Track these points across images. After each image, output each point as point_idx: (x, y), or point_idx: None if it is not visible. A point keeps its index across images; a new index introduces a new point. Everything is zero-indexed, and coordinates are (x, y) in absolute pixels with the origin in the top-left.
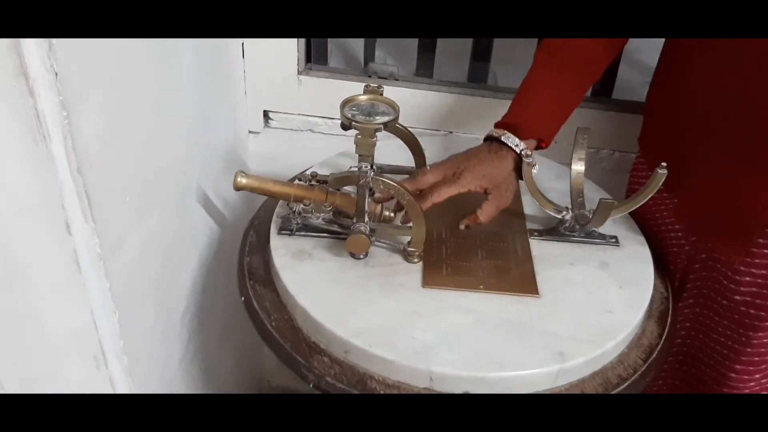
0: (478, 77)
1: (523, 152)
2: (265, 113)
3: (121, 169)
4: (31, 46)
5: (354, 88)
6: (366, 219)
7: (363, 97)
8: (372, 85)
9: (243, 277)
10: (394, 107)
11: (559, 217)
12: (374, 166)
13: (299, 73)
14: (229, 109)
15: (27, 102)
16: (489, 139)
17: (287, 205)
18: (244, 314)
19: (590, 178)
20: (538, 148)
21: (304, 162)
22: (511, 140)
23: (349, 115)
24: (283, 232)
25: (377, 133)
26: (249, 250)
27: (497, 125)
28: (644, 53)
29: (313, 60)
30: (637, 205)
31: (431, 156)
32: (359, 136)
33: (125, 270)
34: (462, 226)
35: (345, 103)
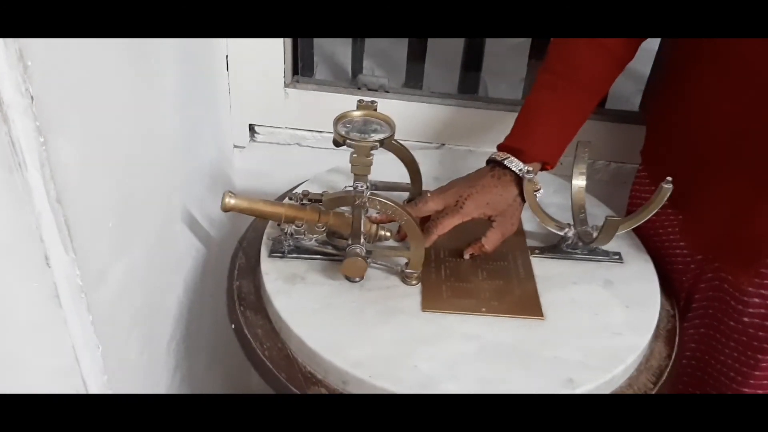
0: (468, 87)
1: (527, 175)
2: (251, 127)
3: (102, 196)
4: (4, 68)
5: (343, 100)
6: (362, 240)
7: (357, 113)
8: (365, 99)
9: (233, 303)
10: (389, 123)
11: (562, 234)
12: (368, 185)
13: (286, 85)
14: (213, 124)
15: (0, 129)
16: (491, 162)
17: (278, 225)
18: (231, 339)
19: (587, 191)
20: (542, 169)
21: (292, 177)
22: (515, 165)
23: (343, 132)
24: (274, 254)
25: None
26: (238, 273)
27: (500, 147)
28: (636, 61)
29: (300, 72)
30: (642, 221)
31: (425, 170)
32: (355, 155)
33: (108, 301)
34: (466, 256)
35: (338, 120)
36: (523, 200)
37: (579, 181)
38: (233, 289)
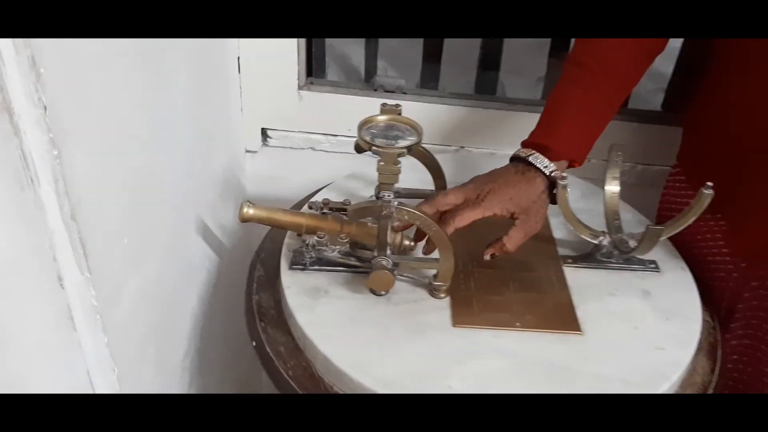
0: (486, 88)
1: (554, 174)
2: (263, 131)
3: (117, 210)
4: (15, 77)
5: (359, 102)
6: (389, 251)
7: (381, 118)
8: (389, 103)
9: (252, 319)
10: (416, 128)
11: (596, 242)
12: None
13: (300, 87)
14: (225, 129)
15: (11, 142)
16: (515, 159)
17: (298, 236)
18: (243, 352)
19: None
20: (569, 167)
21: (307, 183)
22: (540, 161)
23: (368, 139)
24: (295, 267)
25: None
26: (257, 286)
27: (525, 144)
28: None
29: (314, 74)
30: (681, 229)
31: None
32: (382, 163)
33: (123, 321)
34: (487, 256)
35: (363, 125)
36: (549, 198)
37: (612, 187)
38: (252, 303)
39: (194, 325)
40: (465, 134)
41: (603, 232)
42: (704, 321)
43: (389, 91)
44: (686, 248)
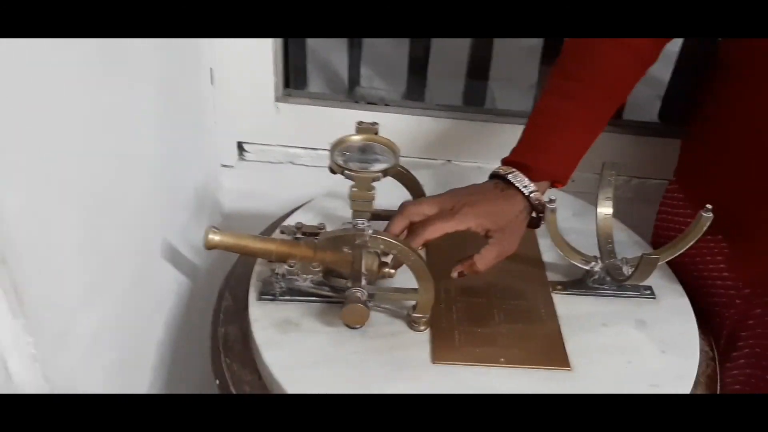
0: (475, 98)
1: (533, 195)
2: (240, 145)
3: (66, 244)
4: None
5: (338, 114)
6: (363, 282)
7: (356, 138)
8: (365, 122)
9: (217, 354)
10: (393, 149)
11: (587, 268)
12: None
13: (277, 99)
14: (197, 142)
15: None
16: (494, 176)
17: (270, 263)
18: (214, 388)
19: None
20: (551, 187)
21: (286, 198)
22: (520, 180)
23: (341, 162)
24: (264, 297)
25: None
26: (224, 317)
27: (505, 162)
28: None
29: (294, 83)
30: (677, 254)
31: (428, 191)
32: (354, 189)
33: (71, 368)
34: (454, 274)
35: (335, 146)
36: (528, 221)
37: (605, 209)
38: (218, 336)
39: (162, 359)
40: (451, 147)
41: (595, 257)
42: (702, 352)
43: (371, 102)
44: (684, 271)
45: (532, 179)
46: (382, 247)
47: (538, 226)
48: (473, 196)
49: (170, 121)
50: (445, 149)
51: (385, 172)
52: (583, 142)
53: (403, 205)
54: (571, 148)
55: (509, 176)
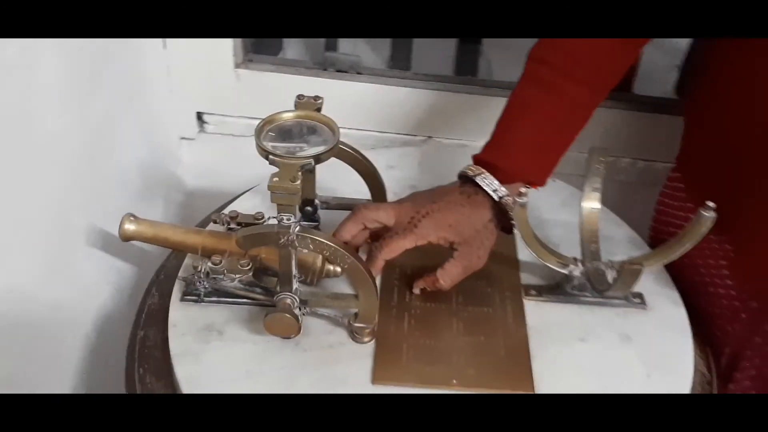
0: (466, 66)
1: (504, 200)
2: (199, 115)
3: None
4: None
5: (305, 83)
6: (295, 286)
7: (288, 115)
8: (306, 96)
9: (132, 362)
10: (332, 128)
11: (565, 272)
12: (318, 203)
13: (237, 66)
14: (145, 114)
15: None
16: (462, 177)
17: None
18: None
19: (605, 197)
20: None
21: (251, 174)
22: (488, 184)
23: (268, 147)
24: (188, 298)
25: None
26: (146, 318)
27: (475, 159)
28: None
29: (263, 49)
30: (672, 258)
31: (401, 175)
32: (276, 179)
33: None
34: (416, 290)
35: (263, 126)
36: (500, 226)
37: (591, 203)
38: (136, 341)
39: (82, 359)
40: (433, 122)
41: (575, 259)
42: (698, 373)
43: (341, 70)
44: (682, 274)
45: (501, 181)
46: (311, 247)
47: (512, 231)
48: (436, 204)
49: (102, 90)
50: (427, 124)
51: (318, 158)
52: (561, 138)
53: (358, 208)
54: (546, 143)
55: (477, 179)
